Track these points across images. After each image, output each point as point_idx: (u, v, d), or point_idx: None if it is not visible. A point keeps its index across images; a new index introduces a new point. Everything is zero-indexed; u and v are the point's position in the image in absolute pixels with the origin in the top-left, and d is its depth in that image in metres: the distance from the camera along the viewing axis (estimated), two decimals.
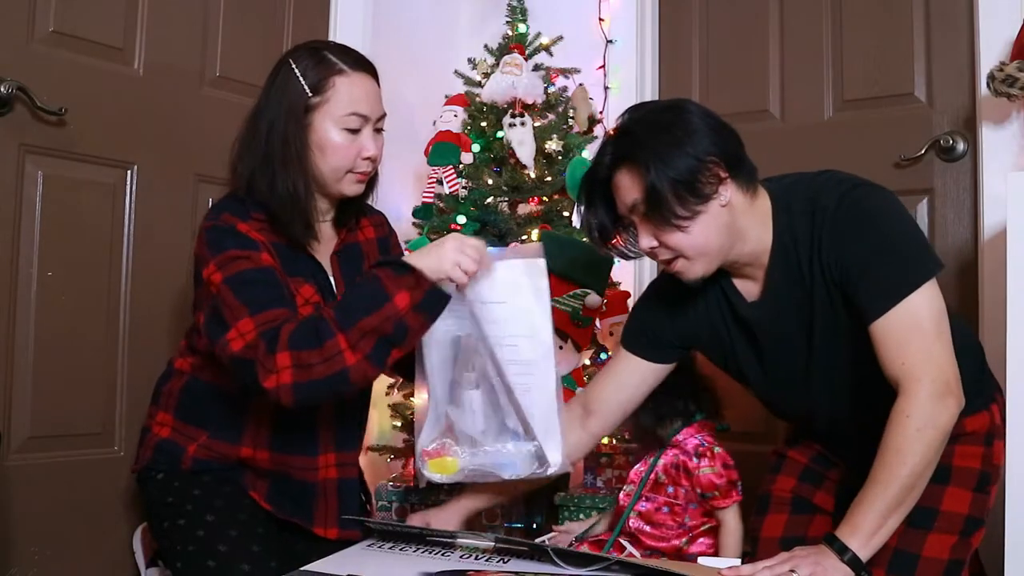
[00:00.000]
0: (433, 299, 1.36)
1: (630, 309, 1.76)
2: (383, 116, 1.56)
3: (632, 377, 1.65)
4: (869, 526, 1.28)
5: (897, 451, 1.29)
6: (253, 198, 1.49)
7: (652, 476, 1.73)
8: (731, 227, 1.41)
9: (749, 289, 1.51)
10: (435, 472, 1.49)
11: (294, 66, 1.49)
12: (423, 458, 1.50)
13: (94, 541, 1.86)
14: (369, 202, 1.72)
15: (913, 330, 1.32)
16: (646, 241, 1.42)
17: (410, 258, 1.38)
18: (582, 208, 1.51)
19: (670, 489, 1.71)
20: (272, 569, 1.40)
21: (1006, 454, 1.51)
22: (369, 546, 1.43)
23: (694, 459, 1.69)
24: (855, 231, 1.36)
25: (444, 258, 1.36)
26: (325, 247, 1.60)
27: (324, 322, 1.33)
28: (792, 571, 1.25)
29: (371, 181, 1.62)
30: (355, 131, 1.50)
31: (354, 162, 1.51)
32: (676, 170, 1.35)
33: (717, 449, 1.70)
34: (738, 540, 1.68)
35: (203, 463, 1.53)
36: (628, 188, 1.41)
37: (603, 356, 2.34)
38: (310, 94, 1.47)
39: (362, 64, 1.54)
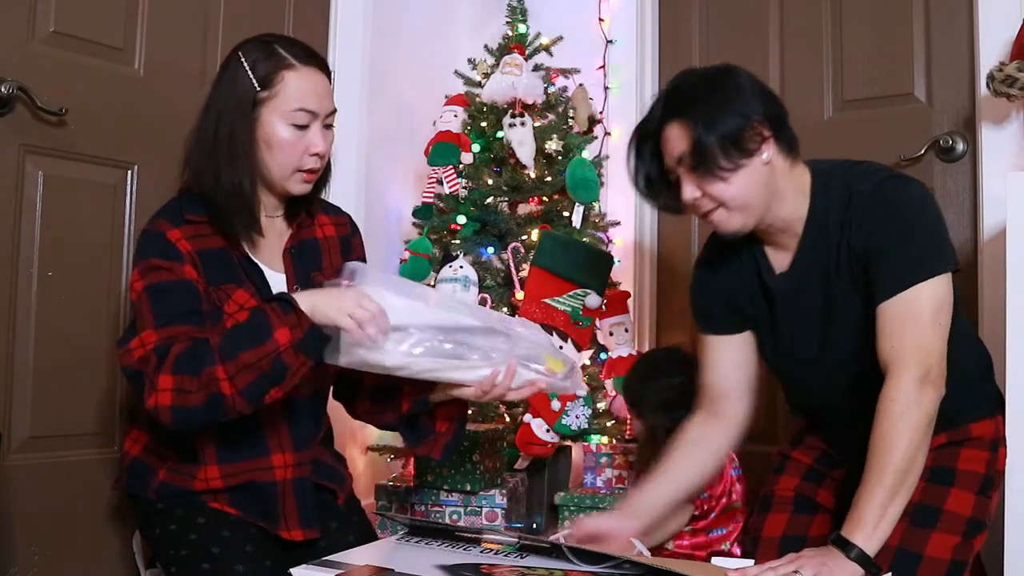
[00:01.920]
0: (313, 339, 1.31)
1: (690, 290, 1.72)
2: (333, 112, 1.52)
3: (727, 356, 1.63)
4: (870, 518, 1.30)
5: (884, 438, 1.32)
6: (200, 192, 1.47)
7: None
8: (770, 185, 1.46)
9: (780, 260, 1.55)
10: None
11: (243, 59, 1.46)
12: None
13: (94, 541, 1.86)
14: (334, 200, 1.69)
15: (911, 318, 1.36)
16: (689, 191, 1.46)
17: (303, 296, 1.33)
18: (631, 160, 1.55)
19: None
20: (267, 568, 1.39)
21: (1007, 454, 1.52)
22: (399, 540, 1.44)
23: None
24: (883, 217, 1.42)
25: (340, 305, 1.31)
26: (275, 244, 1.56)
27: (208, 350, 1.31)
28: (796, 572, 1.25)
29: (323, 178, 1.58)
30: (302, 127, 1.47)
31: (301, 159, 1.47)
32: (724, 125, 1.41)
33: None
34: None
35: (167, 488, 1.49)
36: (676, 141, 1.45)
37: (603, 356, 2.34)
38: (258, 88, 1.45)
39: (313, 59, 1.50)
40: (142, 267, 1.41)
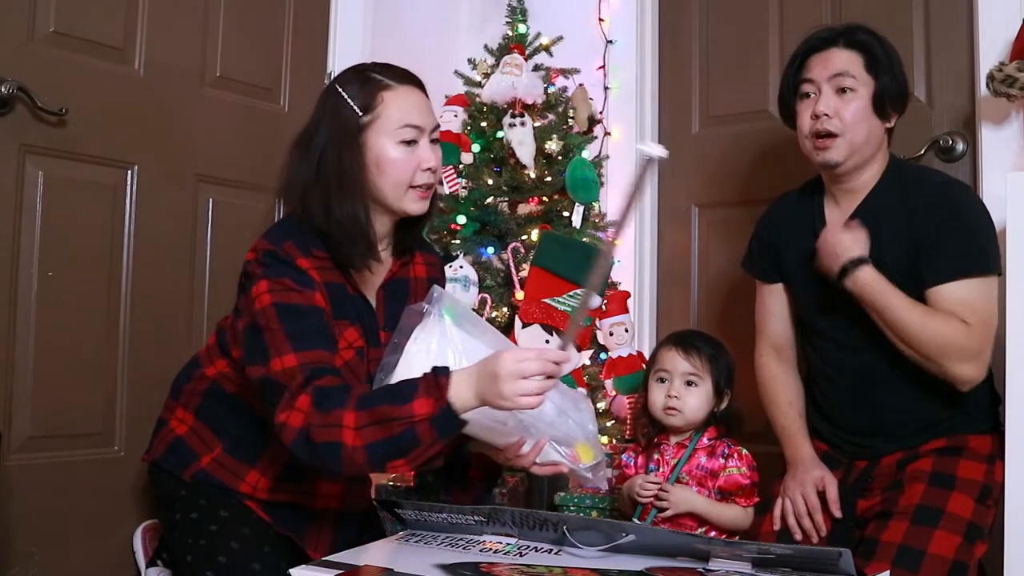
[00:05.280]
0: (446, 419, 1.25)
1: (751, 238, 1.93)
2: (437, 127, 1.54)
3: (779, 306, 1.86)
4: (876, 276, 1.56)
5: (930, 312, 1.55)
6: (312, 225, 1.46)
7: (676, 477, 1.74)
8: (872, 140, 1.67)
9: (835, 218, 1.73)
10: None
11: (341, 90, 1.48)
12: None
13: (94, 541, 1.86)
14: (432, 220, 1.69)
15: (982, 303, 1.56)
16: (826, 105, 1.64)
17: (469, 380, 1.26)
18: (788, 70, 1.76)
19: (694, 489, 1.72)
20: (282, 571, 1.39)
21: (1006, 452, 1.54)
22: (399, 540, 1.45)
23: (720, 460, 1.71)
24: (948, 211, 1.60)
25: (504, 395, 1.25)
26: (374, 277, 1.57)
27: (346, 396, 1.27)
28: None
29: (433, 198, 1.56)
30: (411, 143, 1.47)
31: (414, 175, 1.48)
32: (898, 75, 1.68)
33: (744, 451, 1.74)
34: (735, 525, 1.71)
35: (205, 476, 1.51)
36: (843, 61, 1.66)
37: (603, 356, 2.34)
38: (360, 114, 1.46)
39: (407, 77, 1.53)
40: (272, 283, 1.39)
